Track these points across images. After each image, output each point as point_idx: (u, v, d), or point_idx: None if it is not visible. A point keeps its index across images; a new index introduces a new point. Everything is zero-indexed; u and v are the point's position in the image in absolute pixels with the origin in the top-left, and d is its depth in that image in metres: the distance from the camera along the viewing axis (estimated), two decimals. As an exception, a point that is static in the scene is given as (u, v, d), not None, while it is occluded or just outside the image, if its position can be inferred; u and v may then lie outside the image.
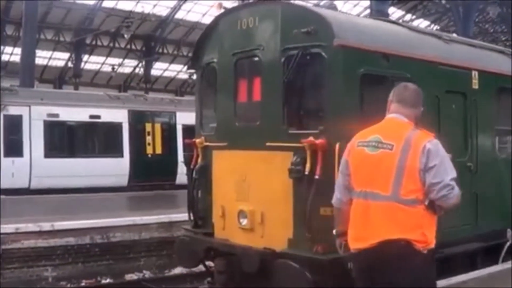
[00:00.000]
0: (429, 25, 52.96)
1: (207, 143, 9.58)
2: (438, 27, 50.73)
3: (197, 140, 9.68)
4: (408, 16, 53.11)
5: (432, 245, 4.71)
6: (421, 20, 53.65)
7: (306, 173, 7.71)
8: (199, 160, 9.68)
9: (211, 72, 9.70)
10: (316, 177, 7.60)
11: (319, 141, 7.65)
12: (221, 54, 9.40)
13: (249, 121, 9.08)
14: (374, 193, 4.72)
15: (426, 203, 4.66)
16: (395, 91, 5.11)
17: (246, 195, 8.73)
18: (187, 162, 9.90)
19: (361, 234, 4.76)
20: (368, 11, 44.26)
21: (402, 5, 51.67)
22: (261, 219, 8.46)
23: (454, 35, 17.96)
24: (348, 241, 4.94)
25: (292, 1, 9.97)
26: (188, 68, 12.96)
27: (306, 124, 8.36)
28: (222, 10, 10.22)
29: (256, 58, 8.83)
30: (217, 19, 9.74)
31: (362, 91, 8.00)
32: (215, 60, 9.53)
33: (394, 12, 49.43)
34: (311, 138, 7.69)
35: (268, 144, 8.33)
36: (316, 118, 8.28)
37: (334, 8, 9.89)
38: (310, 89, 8.62)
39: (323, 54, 7.90)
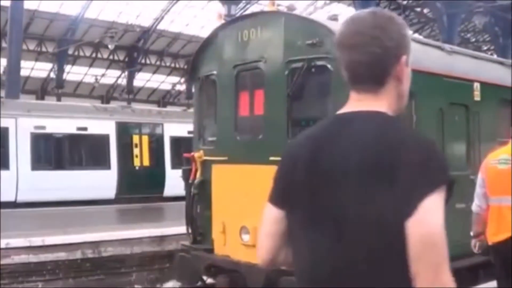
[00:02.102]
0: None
1: (207, 157, 9.37)
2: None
3: (196, 154, 9.46)
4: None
5: None
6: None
7: (312, 187, 7.55)
8: (198, 174, 9.46)
9: (210, 84, 9.52)
10: (323, 191, 7.44)
11: (325, 154, 7.50)
12: (221, 66, 9.22)
13: (251, 134, 8.91)
14: (506, 198, 6.12)
15: None
16: None
17: (248, 211, 8.52)
18: (186, 177, 9.68)
19: (497, 231, 6.22)
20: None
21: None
22: (264, 235, 8.26)
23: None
24: (487, 236, 6.35)
25: (295, 12, 9.83)
26: (185, 80, 12.77)
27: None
28: (223, 21, 10.00)
29: (258, 71, 8.66)
30: (217, 31, 9.57)
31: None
32: (215, 72, 9.34)
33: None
34: (317, 152, 7.53)
35: (272, 158, 8.15)
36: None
37: (335, 18, 9.77)
38: (315, 102, 8.47)
39: (329, 66, 7.77)
